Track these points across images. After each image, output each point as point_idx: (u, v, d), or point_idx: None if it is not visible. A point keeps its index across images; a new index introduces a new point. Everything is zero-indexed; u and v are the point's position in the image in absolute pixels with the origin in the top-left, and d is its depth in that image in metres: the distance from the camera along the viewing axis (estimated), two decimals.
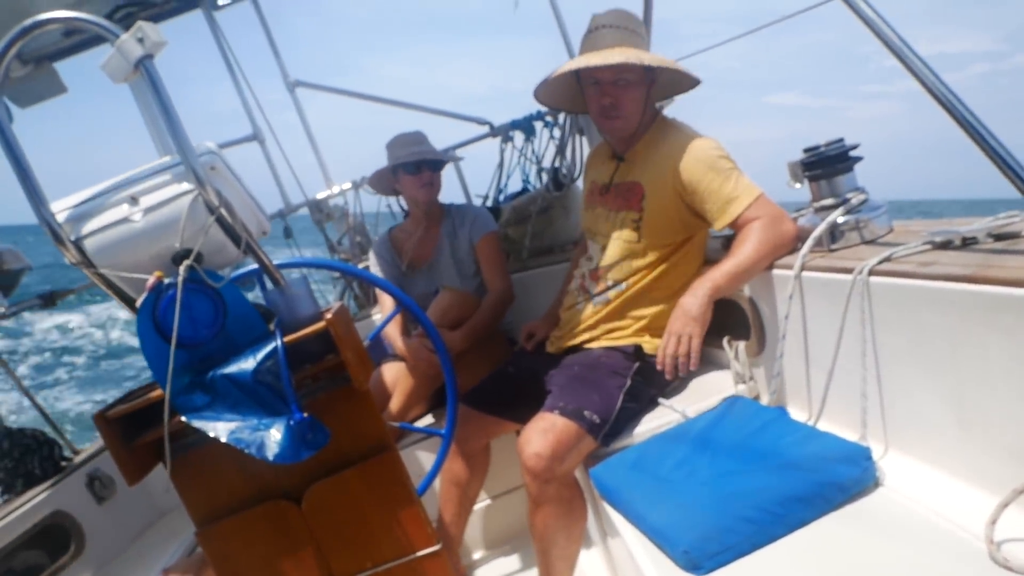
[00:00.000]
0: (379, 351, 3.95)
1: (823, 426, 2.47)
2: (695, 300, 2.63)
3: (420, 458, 3.54)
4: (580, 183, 4.45)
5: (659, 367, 2.66)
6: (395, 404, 3.61)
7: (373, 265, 4.14)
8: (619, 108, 2.90)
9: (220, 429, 1.93)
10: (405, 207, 4.19)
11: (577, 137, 4.74)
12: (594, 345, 3.03)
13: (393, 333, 3.69)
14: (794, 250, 2.60)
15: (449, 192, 4.16)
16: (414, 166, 3.84)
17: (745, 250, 2.63)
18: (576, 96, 3.12)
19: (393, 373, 3.74)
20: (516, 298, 3.92)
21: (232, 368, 1.94)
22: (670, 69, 2.84)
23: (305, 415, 1.96)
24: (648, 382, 2.89)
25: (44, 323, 22.04)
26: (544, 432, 2.62)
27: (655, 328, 2.84)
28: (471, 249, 3.96)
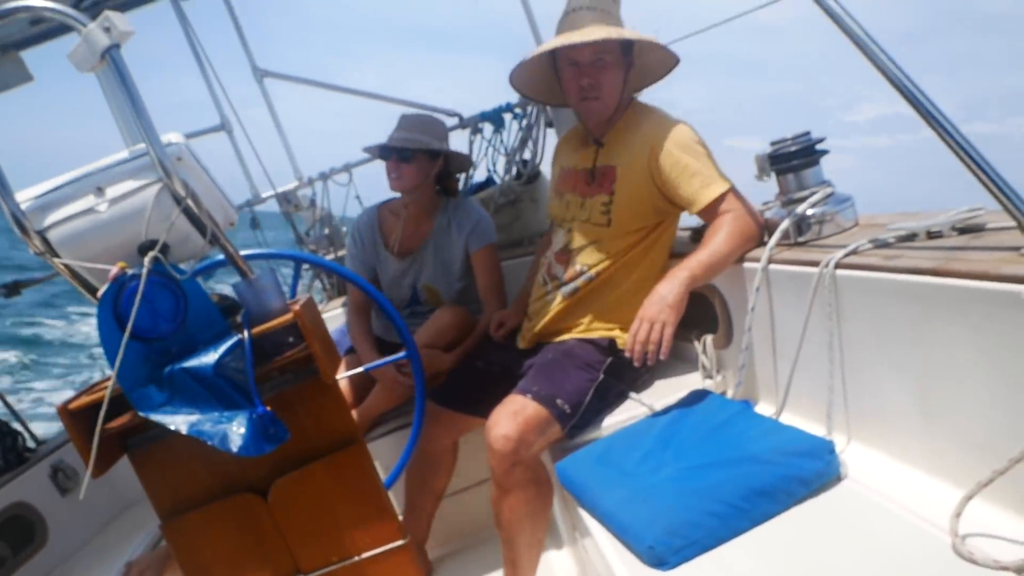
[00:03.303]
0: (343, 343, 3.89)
1: (789, 419, 2.48)
2: (672, 287, 2.58)
3: (387, 451, 3.52)
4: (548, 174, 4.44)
5: (627, 353, 2.62)
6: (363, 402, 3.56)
7: (350, 242, 3.93)
8: (598, 89, 2.86)
9: (179, 422, 1.91)
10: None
11: (545, 129, 4.74)
12: (566, 337, 3.00)
13: (363, 349, 3.59)
14: (761, 243, 2.61)
15: None
16: (382, 153, 3.66)
17: (718, 241, 2.63)
18: (551, 85, 3.09)
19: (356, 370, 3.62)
20: None
21: (193, 362, 1.93)
22: (647, 51, 2.85)
23: (268, 409, 1.95)
24: (619, 378, 2.88)
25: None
26: (514, 415, 2.61)
27: (628, 322, 2.73)
28: (463, 253, 3.75)
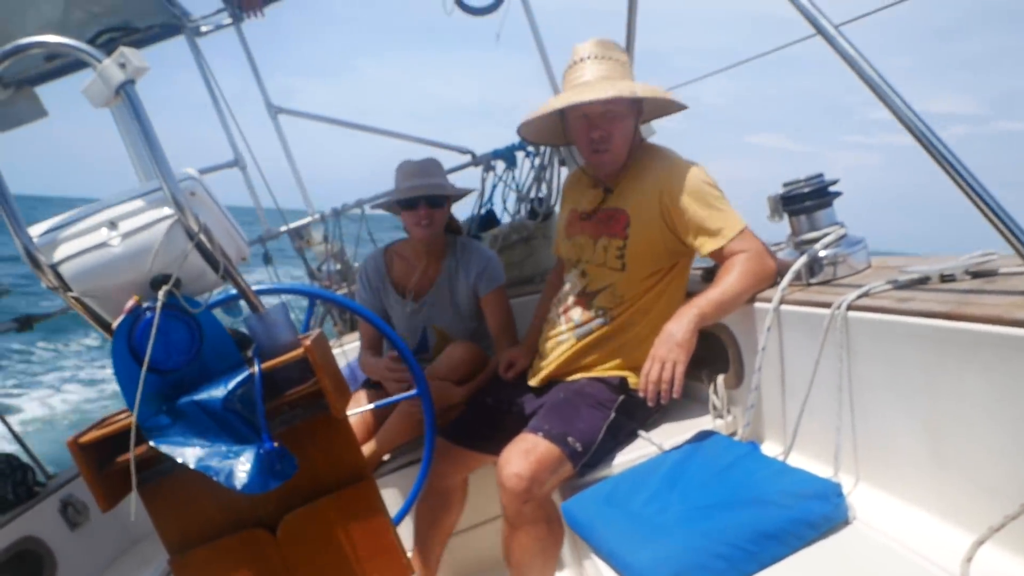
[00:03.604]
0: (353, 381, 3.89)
1: (797, 459, 2.47)
2: (680, 326, 2.59)
3: (397, 487, 3.51)
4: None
5: (641, 393, 2.62)
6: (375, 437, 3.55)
7: (359, 286, 3.91)
8: (608, 141, 2.85)
9: (188, 455, 1.91)
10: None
11: (558, 168, 4.77)
12: (578, 376, 2.99)
13: (373, 366, 3.59)
14: (774, 283, 2.61)
15: None
16: (410, 202, 3.53)
17: (730, 280, 2.63)
18: (559, 129, 3.10)
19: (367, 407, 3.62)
20: None
21: (203, 395, 1.93)
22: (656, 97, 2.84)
23: (276, 444, 1.94)
24: (630, 417, 2.87)
25: None
26: (526, 453, 2.61)
27: (641, 362, 2.72)
28: (473, 296, 3.74)
